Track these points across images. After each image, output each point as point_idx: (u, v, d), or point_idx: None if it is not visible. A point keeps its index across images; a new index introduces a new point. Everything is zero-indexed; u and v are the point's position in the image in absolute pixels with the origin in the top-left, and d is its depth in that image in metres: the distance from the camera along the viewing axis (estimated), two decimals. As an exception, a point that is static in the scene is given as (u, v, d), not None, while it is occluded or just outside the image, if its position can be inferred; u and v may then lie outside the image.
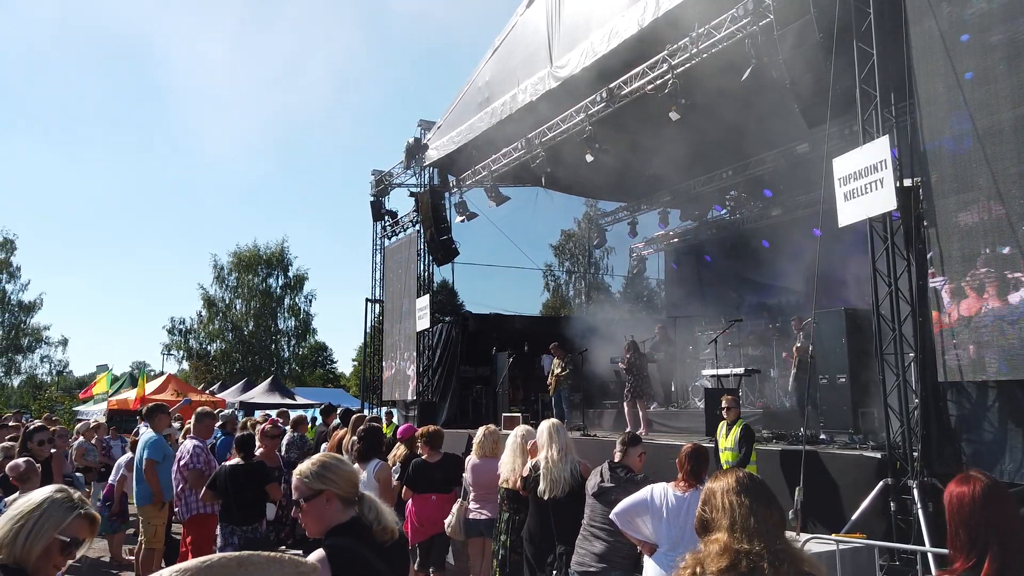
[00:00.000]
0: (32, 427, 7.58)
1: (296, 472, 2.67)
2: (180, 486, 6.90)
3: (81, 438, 10.98)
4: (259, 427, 8.99)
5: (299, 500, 2.60)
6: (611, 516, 4.17)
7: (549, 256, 32.65)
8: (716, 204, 17.51)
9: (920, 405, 6.57)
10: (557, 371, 12.67)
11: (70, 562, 2.34)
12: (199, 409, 7.68)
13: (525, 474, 5.30)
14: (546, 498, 5.01)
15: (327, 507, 2.57)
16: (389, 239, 19.22)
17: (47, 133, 69.95)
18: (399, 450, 7.30)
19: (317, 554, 2.44)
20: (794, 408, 10.66)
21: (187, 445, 7.12)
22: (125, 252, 75.49)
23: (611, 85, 11.66)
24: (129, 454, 9.50)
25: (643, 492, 4.09)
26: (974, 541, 2.10)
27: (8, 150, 64.66)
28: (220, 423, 10.20)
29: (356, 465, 6.11)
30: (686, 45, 10.26)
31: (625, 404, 11.42)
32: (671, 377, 14.10)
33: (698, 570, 1.99)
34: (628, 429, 9.88)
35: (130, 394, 19.77)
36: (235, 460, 6.45)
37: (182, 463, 6.93)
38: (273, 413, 14.17)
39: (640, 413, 11.18)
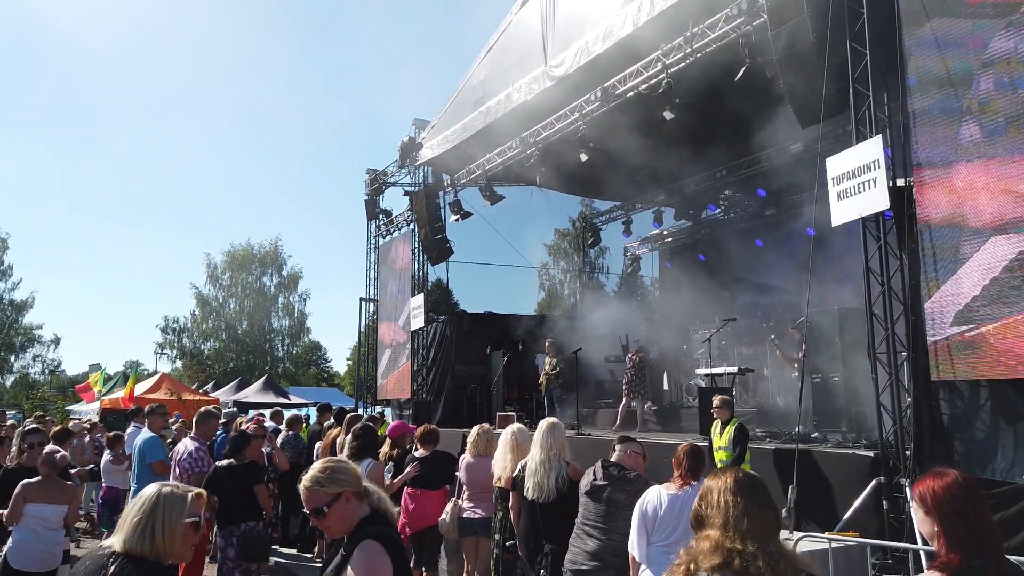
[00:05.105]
0: (26, 428, 7.46)
1: (308, 484, 2.68)
2: None
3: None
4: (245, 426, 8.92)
5: (321, 508, 2.63)
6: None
7: (544, 255, 32.70)
8: (710, 203, 17.56)
9: (913, 404, 6.60)
10: (547, 369, 12.71)
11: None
12: (202, 409, 7.37)
13: (515, 474, 5.31)
14: (530, 498, 5.03)
15: (348, 506, 2.66)
16: (383, 238, 19.21)
17: (38, 130, 69.62)
18: (389, 449, 7.27)
19: (370, 545, 2.52)
20: (790, 407, 10.55)
21: (187, 446, 6.86)
22: (118, 250, 75.17)
23: (605, 84, 11.67)
24: (109, 454, 9.45)
25: (636, 511, 4.04)
26: (971, 531, 2.12)
27: None
28: (223, 421, 10.14)
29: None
30: (680, 44, 10.26)
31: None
32: (660, 377, 14.14)
33: (691, 567, 2.01)
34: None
35: (122, 393, 19.73)
36: (228, 460, 6.25)
37: (183, 466, 6.73)
38: (267, 412, 14.16)
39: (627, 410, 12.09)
